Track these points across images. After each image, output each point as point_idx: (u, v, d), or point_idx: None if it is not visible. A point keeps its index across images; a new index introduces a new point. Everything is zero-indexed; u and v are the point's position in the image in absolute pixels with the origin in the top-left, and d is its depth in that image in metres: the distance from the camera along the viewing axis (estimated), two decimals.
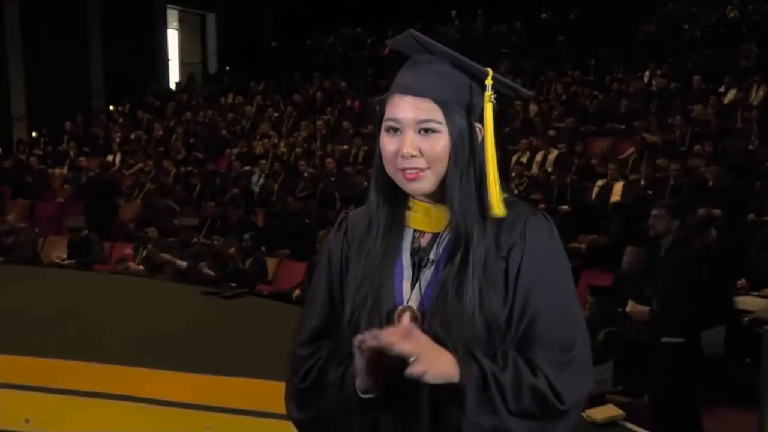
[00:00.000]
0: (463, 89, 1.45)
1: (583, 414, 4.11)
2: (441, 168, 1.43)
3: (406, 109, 1.42)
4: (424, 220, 1.50)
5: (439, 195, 1.46)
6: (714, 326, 5.49)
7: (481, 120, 1.46)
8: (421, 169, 1.42)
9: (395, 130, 1.43)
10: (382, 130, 1.46)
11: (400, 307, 1.45)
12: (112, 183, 11.88)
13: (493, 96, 1.45)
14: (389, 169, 1.45)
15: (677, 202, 5.31)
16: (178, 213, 10.21)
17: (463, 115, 1.43)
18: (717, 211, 7.63)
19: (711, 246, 6.93)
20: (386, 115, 1.45)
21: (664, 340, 4.79)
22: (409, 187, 1.44)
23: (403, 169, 1.42)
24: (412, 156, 1.41)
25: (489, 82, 1.44)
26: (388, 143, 1.44)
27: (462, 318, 1.38)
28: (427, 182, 1.43)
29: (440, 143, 1.42)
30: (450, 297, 1.40)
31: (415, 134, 1.42)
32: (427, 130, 1.42)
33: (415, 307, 1.45)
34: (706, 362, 5.13)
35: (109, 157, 13.86)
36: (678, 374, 4.77)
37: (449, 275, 1.41)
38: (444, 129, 1.42)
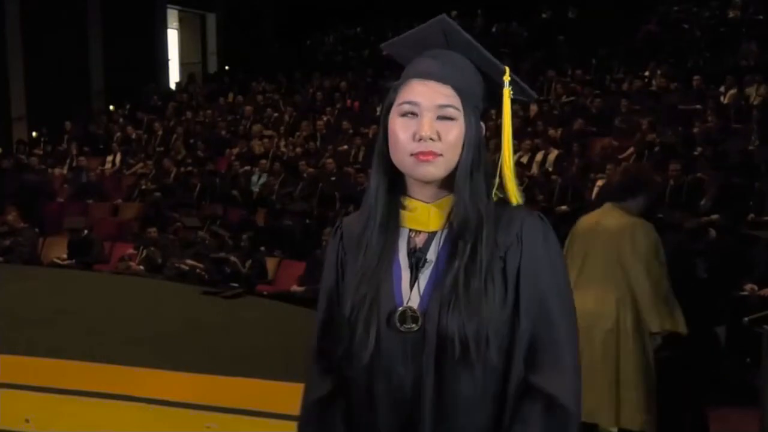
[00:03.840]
0: (477, 85, 1.47)
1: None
2: (453, 157, 1.43)
3: (426, 93, 1.42)
4: (420, 219, 1.49)
5: (442, 188, 1.46)
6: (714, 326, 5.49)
7: (485, 118, 1.48)
8: (436, 154, 1.41)
9: (412, 114, 1.43)
10: (397, 114, 1.45)
11: (400, 308, 1.45)
12: (40, 186, 12.10)
13: (511, 92, 1.46)
14: (399, 155, 1.44)
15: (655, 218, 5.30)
16: (181, 215, 10.21)
17: (475, 109, 1.45)
18: (715, 217, 7.63)
19: (710, 247, 6.93)
20: (403, 99, 1.44)
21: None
22: (420, 170, 1.42)
23: (417, 154, 1.41)
24: (431, 139, 1.40)
25: (507, 78, 1.46)
26: (401, 127, 1.43)
27: (468, 310, 1.39)
28: (438, 168, 1.42)
29: (455, 131, 1.42)
30: (459, 289, 1.40)
31: (434, 118, 1.42)
32: (444, 117, 1.42)
33: (415, 308, 1.45)
34: (706, 362, 5.13)
35: (109, 157, 13.87)
36: (684, 374, 4.77)
37: (458, 266, 1.41)
38: (460, 117, 1.43)
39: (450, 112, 1.42)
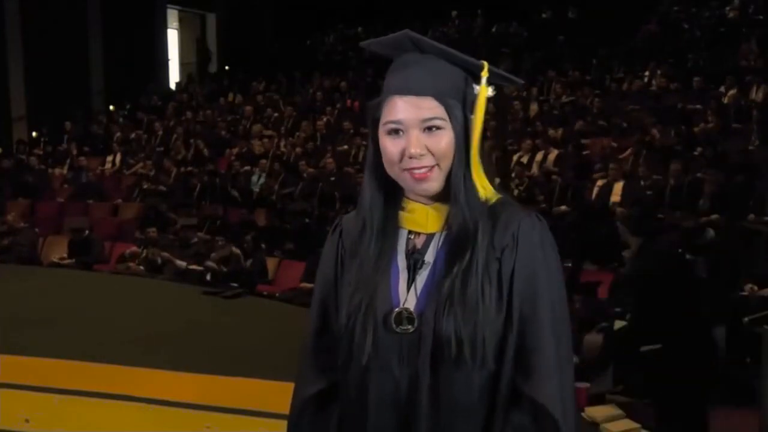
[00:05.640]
0: (459, 82, 1.45)
1: (583, 414, 4.11)
2: (447, 164, 1.42)
3: (407, 109, 1.41)
4: (419, 220, 1.49)
5: (440, 194, 1.46)
6: (714, 326, 5.50)
7: (473, 111, 1.46)
8: (430, 167, 1.41)
9: (397, 131, 1.42)
10: (383, 133, 1.44)
11: (397, 309, 1.45)
12: (39, 186, 12.54)
13: (489, 88, 1.45)
14: (393, 171, 1.44)
15: (639, 219, 5.29)
16: (179, 215, 10.22)
17: (461, 109, 1.43)
18: (715, 216, 7.63)
19: (709, 247, 6.93)
20: (386, 118, 1.44)
21: (643, 349, 4.82)
22: (418, 188, 1.43)
23: (411, 169, 1.41)
24: (421, 155, 1.40)
25: (485, 74, 1.45)
26: (390, 145, 1.43)
27: (464, 313, 1.38)
28: (436, 181, 1.43)
29: (445, 139, 1.41)
30: (456, 293, 1.39)
31: (420, 133, 1.41)
32: (431, 128, 1.41)
33: (411, 309, 1.44)
34: (704, 362, 5.13)
35: (109, 157, 13.87)
36: (686, 375, 4.78)
37: (457, 271, 1.41)
38: (447, 125, 1.41)
39: (436, 122, 1.41)
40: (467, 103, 1.45)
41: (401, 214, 1.50)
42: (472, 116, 1.45)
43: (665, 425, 4.74)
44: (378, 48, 1.51)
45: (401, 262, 1.49)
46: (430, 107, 1.41)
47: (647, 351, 4.82)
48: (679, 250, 5.87)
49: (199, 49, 19.79)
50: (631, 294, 5.50)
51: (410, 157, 1.40)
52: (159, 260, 8.91)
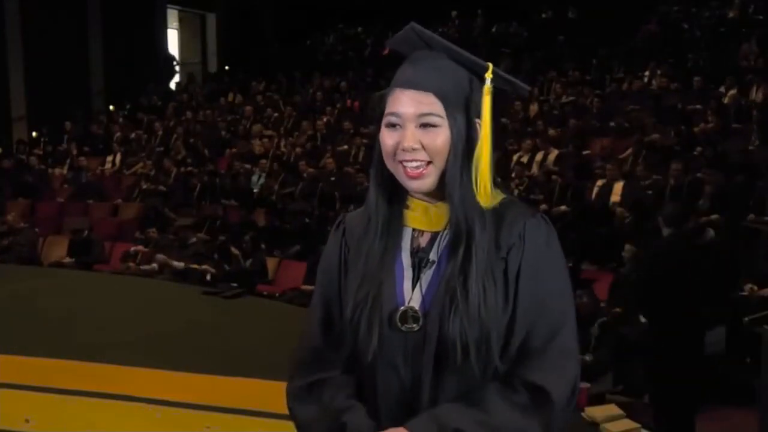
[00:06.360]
0: (464, 84, 1.45)
1: (583, 414, 4.12)
2: (442, 162, 1.42)
3: (407, 103, 1.42)
4: (423, 219, 1.49)
5: (439, 192, 1.46)
6: (714, 326, 5.51)
7: (480, 115, 1.46)
8: (425, 164, 1.41)
9: (395, 124, 1.43)
10: (383, 125, 1.46)
11: (402, 308, 1.45)
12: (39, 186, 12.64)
13: (492, 89, 1.45)
14: (389, 164, 1.45)
15: (674, 211, 5.36)
16: (179, 215, 10.21)
17: (463, 110, 1.43)
18: (715, 216, 7.63)
19: (708, 246, 6.93)
20: (387, 110, 1.45)
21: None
22: (411, 185, 1.44)
23: (403, 161, 1.42)
24: (414, 149, 1.41)
25: (489, 75, 1.45)
26: (387, 137, 1.44)
27: (468, 314, 1.38)
28: (430, 179, 1.43)
29: (440, 137, 1.42)
30: (457, 293, 1.39)
31: (416, 128, 1.42)
32: (427, 125, 1.42)
33: (416, 308, 1.45)
34: (705, 362, 5.14)
35: (109, 157, 13.87)
36: (677, 374, 4.79)
37: (454, 271, 1.41)
38: (444, 123, 1.42)
39: (432, 119, 1.42)
40: (472, 106, 1.45)
41: (406, 212, 1.50)
42: (477, 120, 1.45)
43: (663, 424, 4.75)
44: (392, 45, 1.53)
45: (405, 259, 1.49)
46: (429, 103, 1.42)
47: (639, 335, 4.88)
48: (692, 249, 5.88)
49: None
50: (632, 293, 5.51)
51: (403, 150, 1.41)
52: (155, 266, 8.88)
